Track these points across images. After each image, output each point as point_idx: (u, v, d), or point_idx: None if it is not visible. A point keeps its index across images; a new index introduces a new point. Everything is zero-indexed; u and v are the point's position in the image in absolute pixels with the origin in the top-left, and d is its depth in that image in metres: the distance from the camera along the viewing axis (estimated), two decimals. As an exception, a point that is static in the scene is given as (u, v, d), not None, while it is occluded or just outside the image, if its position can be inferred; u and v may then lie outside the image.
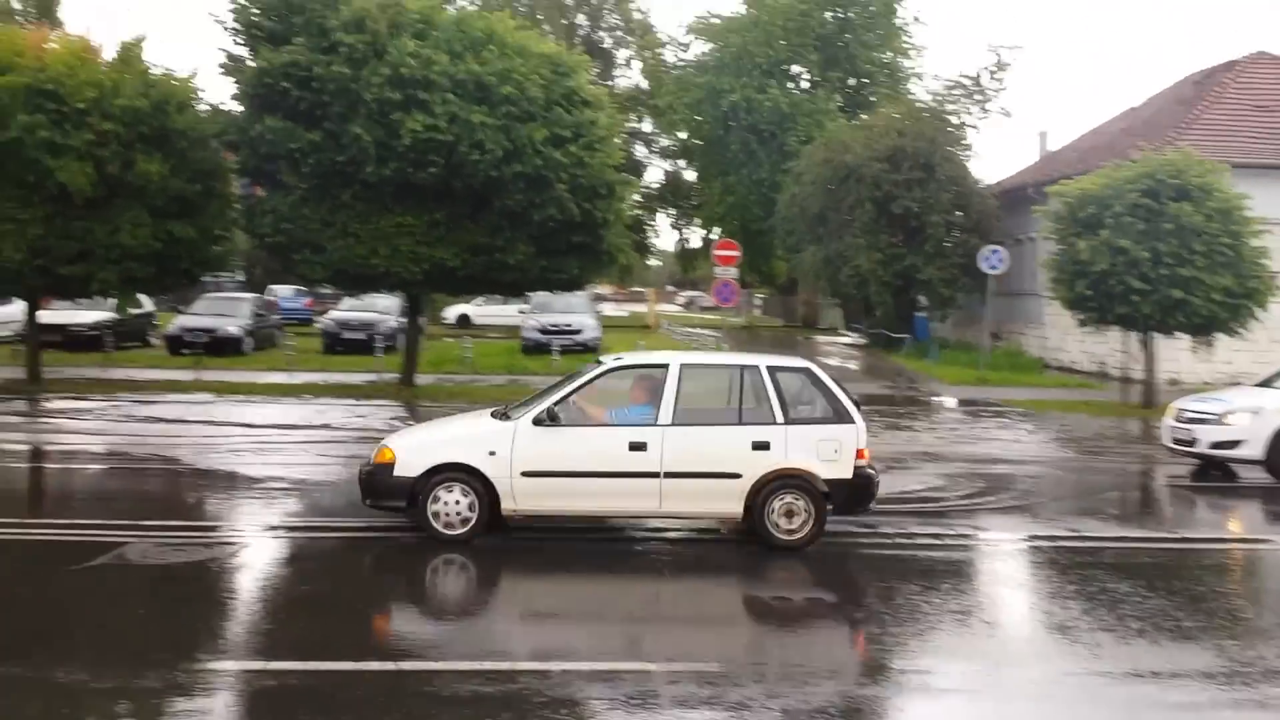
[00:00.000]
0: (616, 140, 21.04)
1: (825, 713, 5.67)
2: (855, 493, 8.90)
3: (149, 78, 19.14)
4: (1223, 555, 9.62)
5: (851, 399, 9.13)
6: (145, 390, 19.54)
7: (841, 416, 8.94)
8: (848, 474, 8.82)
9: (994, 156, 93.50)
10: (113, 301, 22.71)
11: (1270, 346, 21.21)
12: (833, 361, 31.16)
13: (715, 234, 46.53)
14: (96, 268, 18.81)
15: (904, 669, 6.50)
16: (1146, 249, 18.61)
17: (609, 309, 52.24)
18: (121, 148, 18.28)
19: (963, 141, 34.20)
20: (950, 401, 21.92)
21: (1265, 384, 14.44)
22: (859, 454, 8.91)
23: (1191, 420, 13.73)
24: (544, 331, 28.35)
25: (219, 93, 46.42)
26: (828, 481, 8.78)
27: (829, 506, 8.83)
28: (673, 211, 55.85)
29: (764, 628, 6.96)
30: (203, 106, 20.03)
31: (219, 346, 25.61)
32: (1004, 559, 9.63)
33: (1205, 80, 29.92)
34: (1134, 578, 8.59)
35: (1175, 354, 21.73)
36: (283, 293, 39.67)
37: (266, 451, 13.89)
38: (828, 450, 8.82)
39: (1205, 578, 8.93)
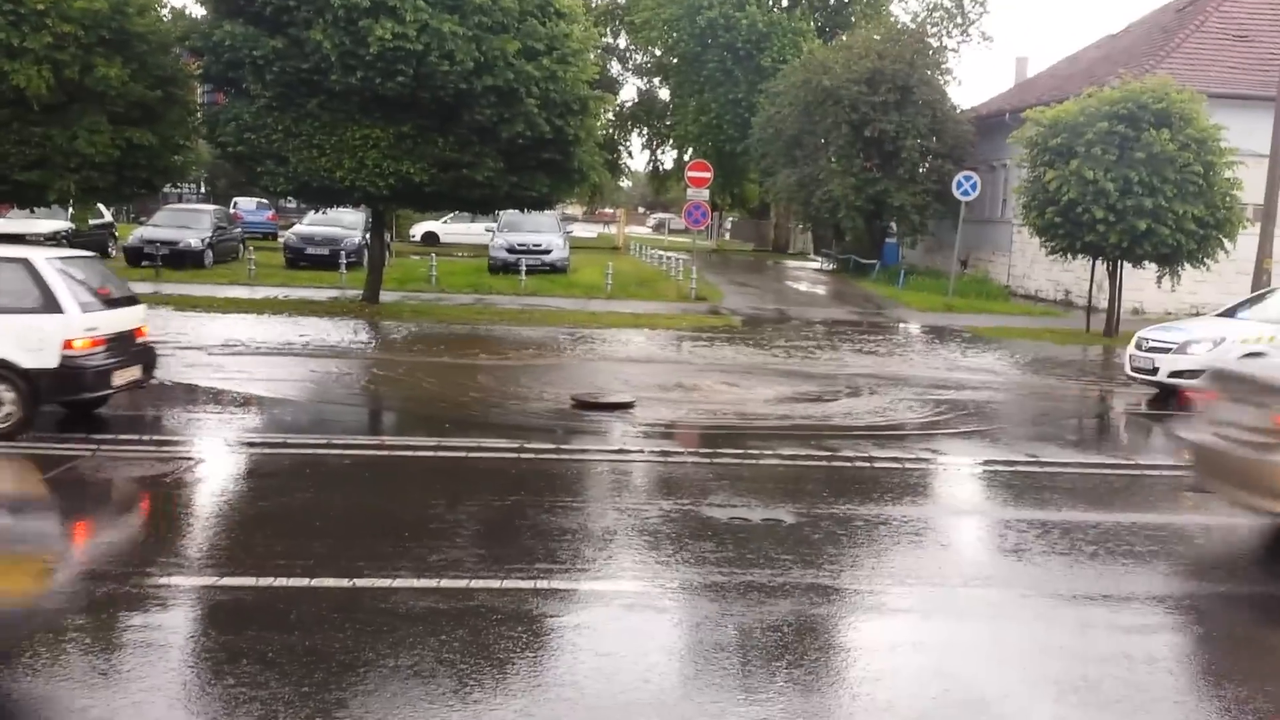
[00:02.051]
0: (590, 55, 20.66)
1: (779, 629, 5.71)
2: (63, 382, 9.11)
3: (109, -22, 18.50)
4: (1176, 482, 9.73)
5: (93, 291, 9.58)
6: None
7: (50, 307, 9.06)
8: (53, 363, 9.00)
9: (972, 82, 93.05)
10: (70, 211, 22.27)
11: (1235, 278, 21.35)
12: (801, 286, 31.20)
13: (688, 155, 46.10)
14: (54, 175, 18.36)
15: (859, 589, 6.55)
16: (1116, 178, 18.59)
17: (578, 230, 51.85)
18: (80, 51, 17.72)
19: (942, 65, 33.91)
20: (915, 328, 22.00)
21: (1227, 314, 14.55)
22: (67, 344, 9.06)
23: (1153, 349, 13.83)
24: (511, 251, 28.11)
25: (182, -3, 45.19)
26: (33, 371, 8.94)
27: (38, 396, 9.05)
28: (646, 131, 55.25)
29: (720, 548, 6.99)
30: (165, 10, 19.44)
31: (179, 259, 25.26)
32: (961, 483, 9.72)
33: (1187, 8, 29.67)
34: (1089, 502, 8.69)
35: (1140, 284, 21.84)
36: (245, 205, 39.09)
37: (225, 367, 13.74)
38: (31, 340, 8.98)
39: (1159, 504, 9.05)
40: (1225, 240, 19.51)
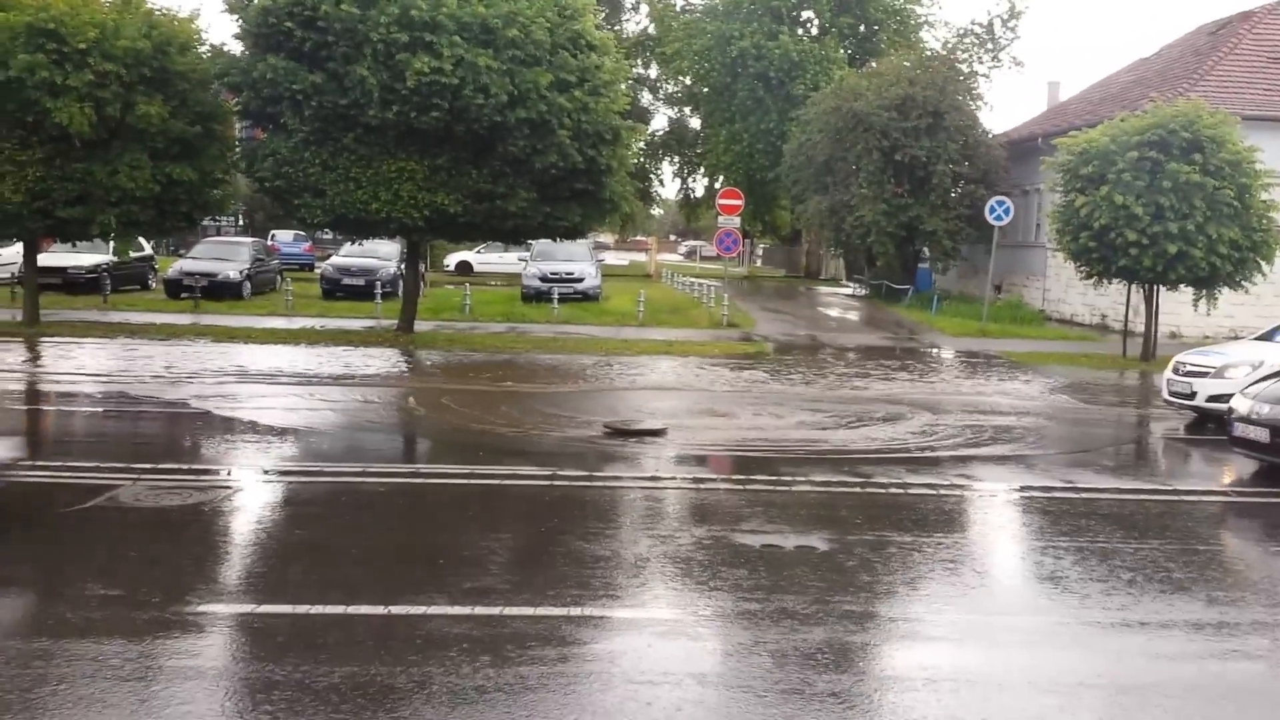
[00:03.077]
0: (622, 86, 20.84)
1: (815, 658, 5.69)
2: None
3: (151, 18, 18.97)
4: (1214, 508, 9.62)
5: None
6: (143, 334, 19.56)
7: None
8: None
9: (1004, 106, 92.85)
10: (112, 244, 22.68)
11: (1273, 301, 21.14)
12: (833, 312, 31.14)
13: (719, 183, 46.24)
14: (96, 210, 18.75)
15: (894, 617, 6.52)
16: (1147, 203, 18.49)
17: (610, 258, 52.06)
18: (122, 89, 18.14)
19: (973, 90, 33.86)
20: (949, 353, 21.89)
21: (1265, 338, 14.39)
22: None
23: (1190, 373, 13.69)
24: (544, 279, 28.28)
25: (221, 33, 45.92)
26: None
27: None
28: (677, 160, 55.47)
29: (753, 575, 6.98)
30: (204, 48, 19.84)
31: (218, 291, 25.60)
32: (997, 509, 9.65)
33: (1220, 31, 29.53)
34: (1126, 529, 8.61)
35: (1177, 308, 21.65)
36: (283, 237, 39.61)
37: (263, 396, 13.91)
38: None
39: (1197, 530, 8.94)
40: (1262, 263, 19.32)
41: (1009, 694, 5.40)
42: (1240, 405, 10.83)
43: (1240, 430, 10.71)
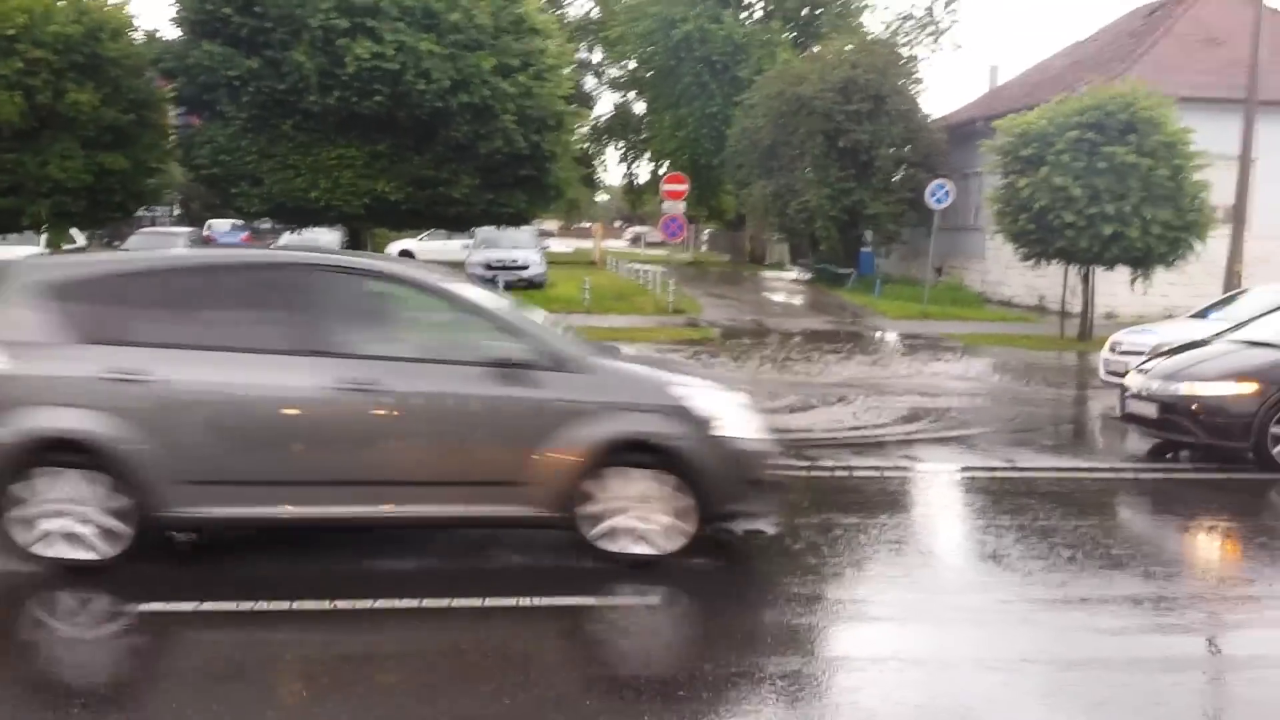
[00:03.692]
0: (565, 70, 20.79)
1: (762, 641, 5.75)
2: None
3: (81, 4, 18.54)
4: (1151, 484, 9.84)
5: None
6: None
7: None
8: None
9: (944, 90, 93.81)
10: (44, 237, 22.17)
11: (1205, 280, 21.59)
12: (778, 297, 31.33)
13: (664, 168, 46.26)
14: (26, 201, 18.33)
15: (840, 598, 6.60)
16: (1084, 185, 18.82)
17: (555, 244, 51.90)
18: (52, 76, 17.73)
19: (913, 74, 34.15)
20: (892, 336, 22.13)
21: (1199, 315, 14.71)
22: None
23: (1126, 352, 13.96)
24: (488, 267, 28.10)
25: (156, 19, 45.16)
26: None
27: None
28: (621, 145, 55.38)
29: (702, 559, 7.02)
30: (137, 34, 19.45)
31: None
32: (940, 489, 9.78)
33: (1154, 13, 30.05)
34: (1065, 507, 8.78)
35: (1113, 288, 22.06)
36: (220, 227, 38.98)
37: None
38: None
39: (1135, 506, 9.14)
40: (1195, 242, 19.74)
41: (955, 672, 5.49)
42: (1132, 381, 11.10)
43: (1131, 406, 10.98)
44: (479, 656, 5.52)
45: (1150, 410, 10.64)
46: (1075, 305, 21.48)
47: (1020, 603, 6.54)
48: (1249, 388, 10.05)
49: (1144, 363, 11.52)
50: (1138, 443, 11.62)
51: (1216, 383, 10.23)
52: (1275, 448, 9.95)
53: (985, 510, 8.89)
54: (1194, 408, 10.18)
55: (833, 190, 31.08)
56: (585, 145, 47.18)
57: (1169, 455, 10.90)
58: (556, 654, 5.79)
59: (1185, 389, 10.33)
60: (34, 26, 17.46)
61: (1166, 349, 11.96)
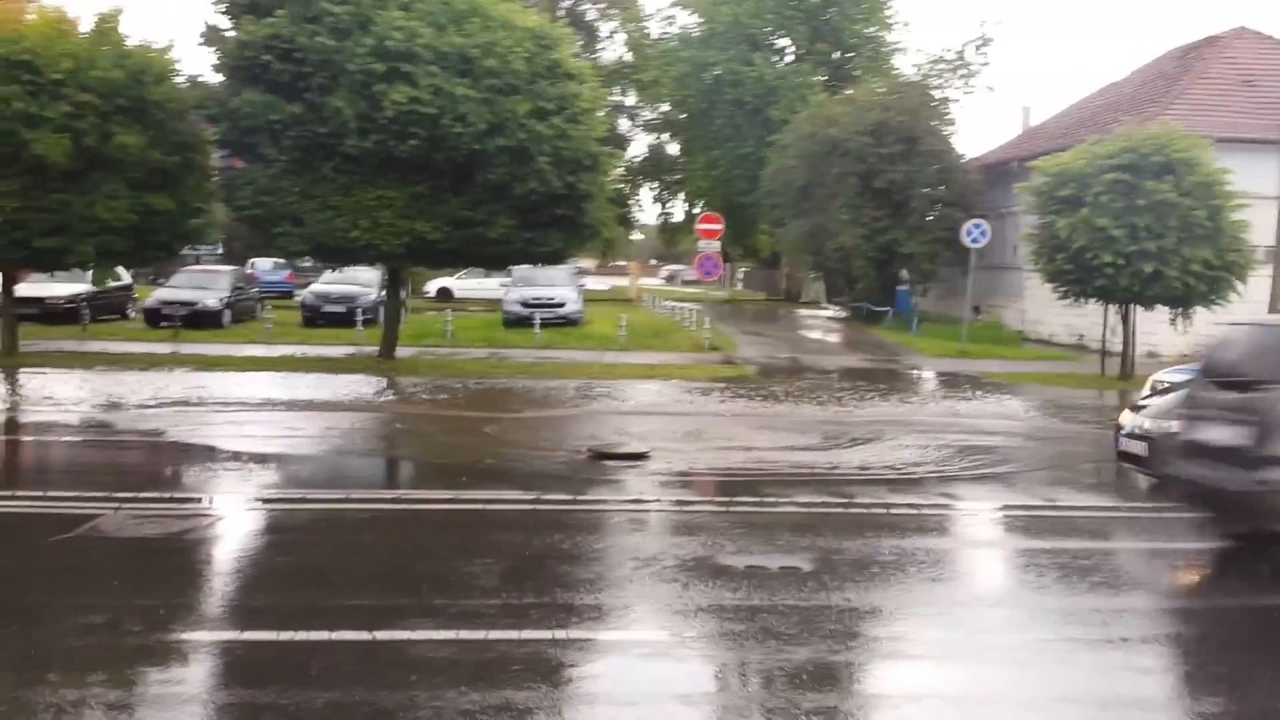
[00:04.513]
0: (600, 113, 20.97)
1: (799, 677, 5.71)
2: None
3: (125, 49, 18.98)
4: (1194, 521, 9.69)
5: None
6: (122, 363, 19.46)
7: None
8: None
9: (978, 131, 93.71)
10: (90, 274, 22.57)
11: (1248, 318, 21.30)
12: (814, 335, 31.30)
13: (699, 208, 46.47)
14: (73, 240, 18.68)
15: (878, 635, 6.56)
16: (1123, 225, 18.74)
17: (591, 282, 52.15)
18: (99, 119, 18.12)
19: (946, 115, 34.24)
20: (929, 374, 22.01)
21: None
22: None
23: (1166, 390, 13.80)
24: (525, 305, 28.29)
25: (199, 64, 46.05)
26: None
27: None
28: (656, 185, 55.71)
29: (738, 595, 6.99)
30: (182, 79, 19.86)
31: (197, 320, 25.50)
32: (979, 528, 9.71)
33: (1187, 55, 29.95)
34: (1108, 545, 8.67)
35: (1154, 327, 21.86)
36: (262, 265, 39.48)
37: (244, 424, 13.86)
38: None
39: (1176, 541, 9.02)
40: (1236, 281, 19.55)
41: (993, 709, 5.43)
42: (1125, 420, 10.98)
43: (1123, 445, 10.86)
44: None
45: (1142, 449, 10.51)
46: (1115, 344, 21.29)
47: (1060, 642, 6.46)
48: None
49: (1140, 401, 11.41)
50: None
51: None
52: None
53: (1025, 550, 8.79)
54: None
55: (868, 229, 31.11)
56: (621, 185, 47.46)
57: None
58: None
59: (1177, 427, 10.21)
60: (79, 71, 17.89)
61: (1164, 386, 11.83)
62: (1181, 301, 19.63)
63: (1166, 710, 5.47)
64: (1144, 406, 11.04)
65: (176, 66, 19.74)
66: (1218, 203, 19.12)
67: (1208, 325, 21.13)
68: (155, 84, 18.92)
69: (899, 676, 5.97)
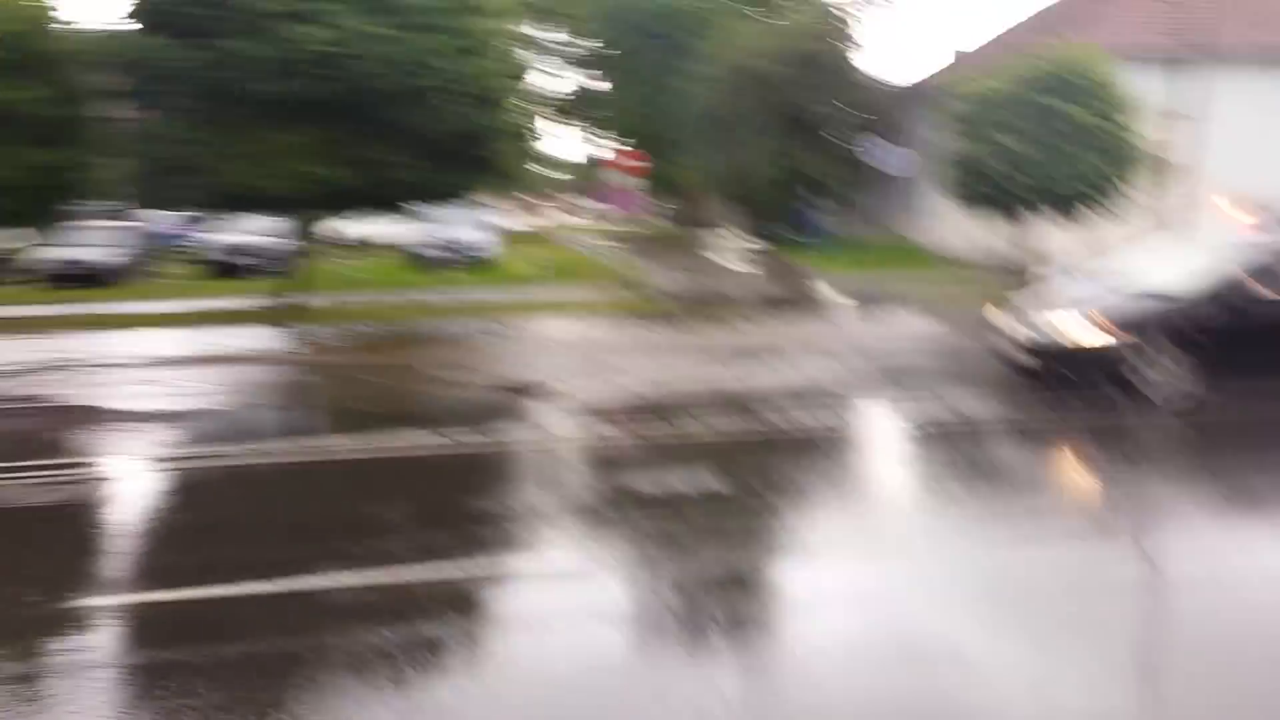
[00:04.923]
0: (507, 49, 20.58)
1: (716, 590, 5.84)
2: None
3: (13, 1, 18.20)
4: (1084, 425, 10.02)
5: None
6: (13, 328, 18.78)
7: None
8: None
9: (910, 63, 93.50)
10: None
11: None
12: (731, 265, 31.38)
13: (626, 146, 46.23)
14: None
15: (791, 546, 6.73)
16: (1026, 141, 19.25)
17: (510, 222, 51.64)
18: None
19: (850, 36, 34.32)
20: (841, 297, 22.23)
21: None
22: None
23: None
24: (437, 247, 27.97)
25: (109, 13, 44.08)
26: None
27: None
28: (584, 122, 55.13)
29: (653, 519, 7.08)
30: (77, 26, 19.15)
31: (96, 277, 24.77)
32: (884, 438, 9.91)
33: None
34: (1006, 449, 8.93)
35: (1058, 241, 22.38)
36: (168, 218, 38.34)
37: (145, 383, 13.50)
38: None
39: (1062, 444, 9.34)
40: (1121, 185, 20.13)
41: (901, 602, 5.62)
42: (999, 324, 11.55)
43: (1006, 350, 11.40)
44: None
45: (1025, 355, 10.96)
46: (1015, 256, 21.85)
47: (952, 518, 6.67)
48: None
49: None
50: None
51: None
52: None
53: (932, 459, 9.00)
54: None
55: (782, 156, 31.25)
56: (532, 123, 46.90)
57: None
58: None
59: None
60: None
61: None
62: (1067, 207, 20.20)
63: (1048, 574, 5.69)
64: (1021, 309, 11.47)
65: (52, 15, 18.96)
66: (1104, 107, 19.61)
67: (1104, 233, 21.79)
68: (42, 36, 18.18)
69: (809, 583, 6.10)
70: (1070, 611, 5.57)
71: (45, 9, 18.69)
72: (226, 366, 14.70)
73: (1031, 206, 20.15)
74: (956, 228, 27.65)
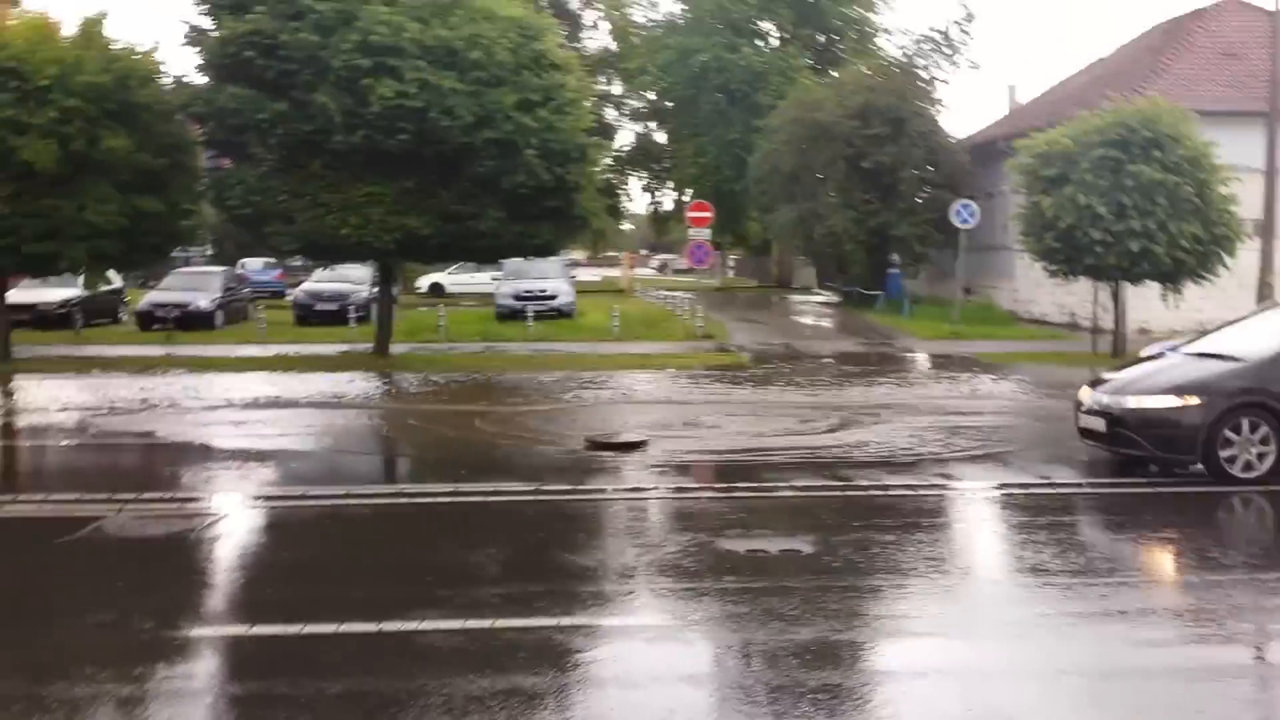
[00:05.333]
0: (586, 103, 20.98)
1: (803, 656, 5.78)
2: None
3: (111, 52, 18.95)
4: (1190, 500, 9.77)
5: None
6: (117, 367, 19.45)
7: None
8: None
9: (965, 111, 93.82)
10: (81, 279, 22.53)
11: (1238, 293, 21.45)
12: (807, 320, 31.37)
13: (688, 196, 46.45)
14: (64, 245, 18.66)
15: (879, 614, 6.63)
16: (1110, 202, 18.80)
17: (583, 274, 52.16)
18: (86, 124, 18.09)
19: (932, 95, 34.27)
20: (922, 356, 22.09)
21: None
22: None
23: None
24: (518, 298, 28.33)
25: (184, 65, 45.86)
26: None
27: None
28: (644, 174, 55.63)
29: (740, 579, 7.06)
30: (167, 80, 19.83)
31: (189, 321, 25.51)
32: (977, 506, 9.78)
33: (1173, 29, 30.00)
34: (1104, 522, 8.76)
35: (1145, 303, 21.94)
36: (253, 265, 39.45)
37: (241, 424, 13.88)
38: None
39: (1174, 517, 9.11)
40: (1224, 255, 19.65)
41: (994, 684, 5.51)
42: (1083, 396, 11.05)
43: (1083, 421, 10.91)
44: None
45: (1100, 425, 10.57)
46: (1107, 322, 21.38)
47: (1060, 616, 6.54)
48: (1194, 400, 9.99)
49: (1099, 379, 11.47)
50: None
51: (1161, 396, 10.17)
52: (1226, 460, 9.82)
53: (1022, 527, 8.86)
54: (1140, 422, 10.11)
55: (858, 213, 31.15)
56: (610, 175, 47.45)
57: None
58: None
59: (1132, 403, 10.28)
60: (66, 77, 17.85)
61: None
62: (1170, 277, 19.71)
63: (1168, 676, 5.55)
64: (1104, 382, 11.11)
65: (162, 68, 19.74)
66: (1204, 177, 19.18)
67: (1198, 300, 21.33)
68: (141, 87, 18.90)
69: (901, 653, 6.04)
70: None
71: (153, 62, 19.44)
72: (315, 410, 15.03)
73: (1125, 274, 19.73)
74: (1041, 290, 27.37)
